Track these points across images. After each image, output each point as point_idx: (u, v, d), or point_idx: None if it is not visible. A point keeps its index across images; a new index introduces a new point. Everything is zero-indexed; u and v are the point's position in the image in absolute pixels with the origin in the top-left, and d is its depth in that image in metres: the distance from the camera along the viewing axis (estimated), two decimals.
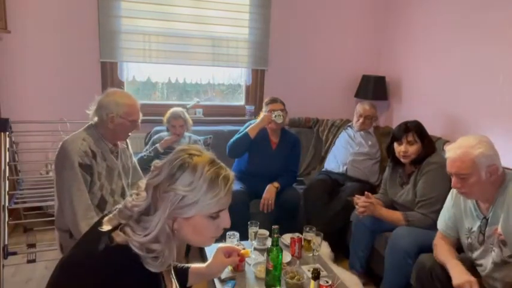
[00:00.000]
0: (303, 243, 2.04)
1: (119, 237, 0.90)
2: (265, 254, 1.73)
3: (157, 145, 2.75)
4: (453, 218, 1.80)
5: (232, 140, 2.72)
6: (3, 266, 2.12)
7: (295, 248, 2.00)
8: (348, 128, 3.21)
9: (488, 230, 1.63)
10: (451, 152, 1.62)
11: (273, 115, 2.66)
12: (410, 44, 3.37)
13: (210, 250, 1.82)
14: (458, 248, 1.83)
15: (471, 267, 1.74)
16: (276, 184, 2.67)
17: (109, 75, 3.17)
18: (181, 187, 0.91)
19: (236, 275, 1.79)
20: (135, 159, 2.16)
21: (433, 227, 2.06)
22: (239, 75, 3.62)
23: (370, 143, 3.06)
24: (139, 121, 1.89)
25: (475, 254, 1.71)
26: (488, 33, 2.58)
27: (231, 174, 0.99)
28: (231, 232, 2.02)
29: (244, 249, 1.49)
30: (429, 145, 2.25)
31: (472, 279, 1.57)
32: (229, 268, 1.80)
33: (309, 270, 1.79)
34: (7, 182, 2.35)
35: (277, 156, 2.78)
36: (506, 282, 1.60)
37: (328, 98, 3.68)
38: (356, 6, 3.66)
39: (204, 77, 3.47)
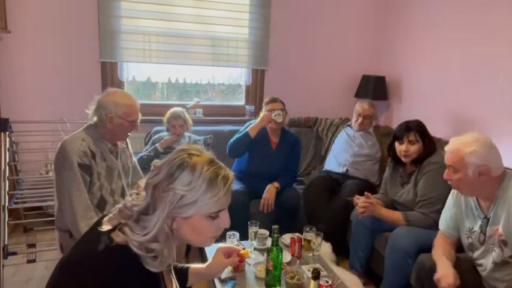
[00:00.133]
0: (303, 243, 2.04)
1: (118, 238, 0.90)
2: (265, 254, 1.73)
3: (157, 145, 2.75)
4: (454, 218, 1.80)
5: (232, 139, 2.72)
6: (3, 266, 2.12)
7: (295, 248, 2.00)
8: (347, 127, 3.19)
9: (489, 229, 1.63)
10: (449, 144, 1.68)
11: (273, 114, 2.66)
12: (410, 44, 3.36)
13: (210, 250, 1.82)
14: (459, 248, 1.83)
15: (471, 267, 1.75)
16: (276, 184, 2.67)
17: (109, 75, 3.17)
18: (180, 186, 0.91)
19: (236, 275, 1.79)
20: (135, 159, 2.16)
21: (433, 226, 2.06)
22: (239, 75, 3.62)
23: (370, 143, 3.04)
24: (139, 121, 1.89)
25: (476, 254, 1.71)
26: (489, 33, 2.58)
27: (231, 174, 0.99)
28: (231, 232, 2.02)
29: (244, 249, 1.49)
30: (430, 145, 2.25)
31: (449, 272, 1.60)
32: (229, 268, 1.80)
33: (309, 270, 1.79)
34: (7, 182, 2.35)
35: (277, 156, 2.78)
36: (506, 282, 1.60)
37: (328, 98, 3.68)
38: (356, 6, 3.65)
39: (204, 77, 3.47)
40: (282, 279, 1.71)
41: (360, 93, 3.55)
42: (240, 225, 2.04)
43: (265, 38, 3.45)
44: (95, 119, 1.83)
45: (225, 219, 1.00)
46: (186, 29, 3.23)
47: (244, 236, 2.13)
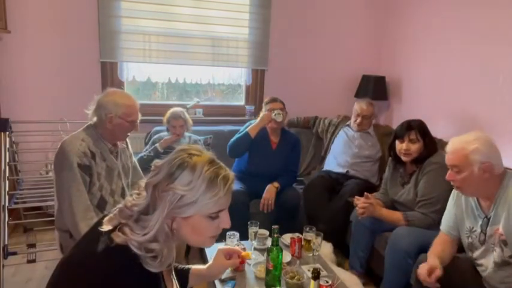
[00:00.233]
0: (303, 243, 2.04)
1: (118, 238, 0.90)
2: (265, 254, 1.73)
3: (156, 145, 2.75)
4: (454, 218, 1.80)
5: (232, 139, 2.72)
6: (3, 266, 2.12)
7: (295, 248, 2.00)
8: (347, 127, 3.16)
9: (490, 229, 1.63)
10: (450, 145, 1.67)
11: (273, 114, 2.66)
12: (411, 44, 3.36)
13: (210, 251, 1.82)
14: (459, 248, 1.83)
15: (471, 267, 1.75)
16: (276, 184, 2.67)
17: (109, 75, 3.17)
18: (180, 186, 0.91)
19: (236, 275, 1.79)
20: (135, 159, 2.16)
21: (433, 226, 2.06)
22: (239, 75, 3.61)
23: (369, 144, 3.02)
24: (138, 121, 1.89)
25: (476, 254, 1.71)
26: (489, 33, 2.58)
27: (231, 174, 0.99)
28: (231, 232, 2.02)
29: (244, 249, 1.49)
30: (431, 144, 2.25)
31: (430, 266, 1.63)
32: (229, 268, 1.80)
33: (309, 270, 1.79)
34: (7, 182, 2.35)
35: (277, 156, 2.78)
36: (506, 284, 1.60)
37: (328, 98, 3.68)
38: (356, 6, 3.65)
39: (204, 77, 3.47)
40: (282, 279, 1.71)
41: (360, 93, 3.55)
42: (240, 225, 2.04)
43: (265, 38, 3.45)
44: (95, 119, 1.83)
45: (225, 220, 1.00)
46: (186, 29, 3.23)
47: (244, 236, 2.12)
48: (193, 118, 3.01)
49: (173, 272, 1.16)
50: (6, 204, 2.30)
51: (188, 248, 2.57)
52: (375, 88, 3.47)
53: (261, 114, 2.73)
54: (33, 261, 2.30)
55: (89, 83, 3.08)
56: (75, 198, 1.68)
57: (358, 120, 3.00)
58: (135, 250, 0.89)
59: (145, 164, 2.56)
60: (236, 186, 2.58)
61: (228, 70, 3.54)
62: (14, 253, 2.21)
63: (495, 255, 1.60)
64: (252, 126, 2.69)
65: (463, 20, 2.79)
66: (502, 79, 2.47)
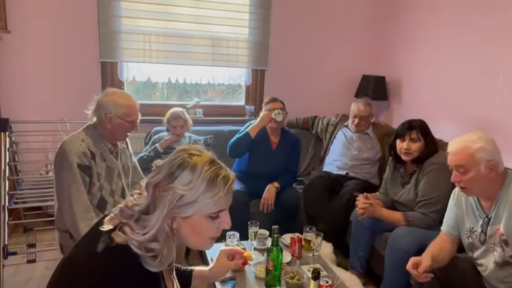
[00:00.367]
0: (303, 243, 2.04)
1: (118, 237, 0.90)
2: (265, 254, 1.73)
3: (156, 145, 2.75)
4: (455, 218, 1.80)
5: (232, 139, 2.72)
6: (3, 266, 2.12)
7: (295, 248, 2.00)
8: (345, 128, 3.13)
9: (490, 229, 1.63)
10: (452, 146, 1.66)
11: (273, 113, 2.66)
12: (411, 44, 3.36)
13: (211, 251, 1.83)
14: (459, 248, 1.83)
15: (472, 267, 1.75)
16: (276, 184, 2.67)
17: (109, 75, 3.17)
18: (180, 186, 0.91)
19: (236, 275, 1.79)
20: (135, 159, 2.16)
21: (433, 226, 2.06)
22: (239, 75, 3.61)
23: (369, 145, 2.99)
24: (138, 122, 1.89)
25: (476, 254, 1.71)
26: (489, 33, 2.58)
27: (232, 174, 0.99)
28: (231, 232, 2.02)
29: (244, 249, 1.49)
30: (432, 144, 2.25)
31: (414, 261, 1.64)
32: None
33: (309, 270, 1.79)
34: (7, 182, 2.35)
35: (277, 156, 2.78)
36: (506, 284, 1.60)
37: (328, 98, 3.67)
38: (356, 6, 3.65)
39: (204, 77, 3.47)
40: (282, 279, 1.72)
41: (360, 93, 3.55)
42: (240, 225, 2.05)
43: (265, 38, 3.45)
44: (95, 119, 1.83)
45: (225, 220, 1.00)
46: (186, 29, 3.23)
47: (244, 236, 2.13)
48: (193, 118, 3.01)
49: (174, 272, 1.16)
50: (6, 204, 2.30)
51: (188, 249, 2.57)
52: (374, 88, 3.47)
53: (261, 114, 2.73)
54: (33, 261, 2.30)
55: (89, 83, 3.08)
56: (75, 199, 1.68)
57: (356, 121, 2.98)
58: (135, 250, 0.89)
59: (145, 164, 2.56)
60: (236, 186, 2.57)
61: (228, 70, 3.54)
62: (14, 253, 2.21)
63: (496, 255, 1.60)
64: (252, 126, 2.69)
65: (463, 20, 2.79)
66: (502, 79, 2.47)
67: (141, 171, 2.15)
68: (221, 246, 1.85)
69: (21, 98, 2.98)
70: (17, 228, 2.95)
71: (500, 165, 1.59)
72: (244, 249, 1.85)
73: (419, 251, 1.94)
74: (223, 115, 3.53)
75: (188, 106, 3.31)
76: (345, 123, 3.15)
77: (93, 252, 0.88)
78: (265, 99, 2.85)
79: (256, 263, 1.87)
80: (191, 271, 1.32)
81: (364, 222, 2.32)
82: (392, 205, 2.40)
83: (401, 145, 2.25)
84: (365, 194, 2.29)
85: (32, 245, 2.32)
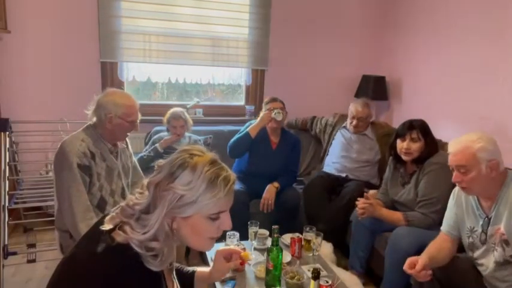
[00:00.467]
0: (303, 243, 2.04)
1: (119, 237, 0.91)
2: (265, 254, 1.73)
3: (156, 145, 2.75)
4: (455, 218, 1.80)
5: (233, 140, 2.72)
6: (3, 266, 2.12)
7: (295, 248, 2.00)
8: (343, 129, 3.09)
9: (491, 229, 1.63)
10: (452, 146, 1.65)
11: (273, 113, 2.66)
12: (411, 43, 3.36)
13: (211, 251, 1.82)
14: (459, 248, 1.83)
15: (472, 267, 1.75)
16: (276, 184, 2.67)
17: (109, 75, 3.17)
18: (180, 186, 0.91)
19: (236, 275, 1.79)
20: (135, 159, 2.16)
21: (433, 226, 2.06)
22: (239, 75, 3.61)
23: (368, 147, 2.97)
24: (138, 122, 1.88)
25: (476, 254, 1.71)
26: (489, 33, 2.58)
27: (232, 175, 0.99)
28: (231, 232, 2.03)
29: (244, 249, 1.48)
30: (432, 144, 2.25)
31: (410, 261, 1.64)
32: None
33: (309, 270, 1.79)
34: (7, 182, 2.35)
35: (277, 156, 2.78)
36: (507, 282, 1.59)
37: (328, 98, 3.67)
38: (356, 6, 3.65)
39: (204, 77, 3.47)
40: (282, 279, 1.72)
41: (360, 93, 3.55)
42: (240, 225, 2.05)
43: (265, 38, 3.45)
44: (95, 119, 1.83)
45: (225, 221, 0.99)
46: (186, 29, 3.23)
47: (244, 236, 2.13)
48: (193, 118, 3.01)
49: (174, 272, 1.16)
50: (6, 204, 2.30)
51: (188, 249, 2.57)
52: (374, 88, 3.47)
53: (261, 114, 2.73)
54: (33, 261, 2.30)
55: (89, 83, 3.08)
56: (75, 199, 1.68)
57: (354, 122, 2.94)
58: (136, 249, 0.89)
59: (145, 164, 2.56)
60: (236, 186, 2.54)
61: (228, 70, 3.54)
62: (14, 253, 2.21)
63: (496, 255, 1.60)
64: (252, 126, 2.69)
65: (463, 20, 2.79)
66: (502, 79, 2.47)
67: (141, 171, 2.15)
68: (221, 246, 1.85)
69: (21, 98, 2.99)
70: (17, 228, 2.95)
71: (500, 164, 1.59)
72: (244, 249, 1.85)
73: (419, 251, 1.93)
74: (223, 115, 3.53)
75: (188, 106, 3.31)
76: (343, 125, 3.12)
77: (94, 252, 0.88)
78: (265, 99, 2.85)
79: (256, 263, 1.87)
80: (193, 273, 1.31)
81: (364, 222, 2.32)
82: (393, 205, 2.40)
83: (401, 145, 2.25)
84: (365, 194, 2.29)
85: (32, 245, 2.32)
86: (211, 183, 0.93)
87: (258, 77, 3.57)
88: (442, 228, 1.87)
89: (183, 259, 2.42)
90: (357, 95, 3.58)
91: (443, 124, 2.91)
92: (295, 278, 1.72)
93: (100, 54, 3.08)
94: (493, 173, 1.57)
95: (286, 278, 1.71)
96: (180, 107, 2.88)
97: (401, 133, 2.27)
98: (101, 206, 1.81)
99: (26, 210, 2.84)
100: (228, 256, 1.34)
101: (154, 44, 3.18)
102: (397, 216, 2.22)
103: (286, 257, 1.94)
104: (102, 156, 1.82)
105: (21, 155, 2.92)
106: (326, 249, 2.20)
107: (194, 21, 3.23)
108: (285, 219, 2.57)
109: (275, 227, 1.70)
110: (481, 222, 1.67)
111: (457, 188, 1.77)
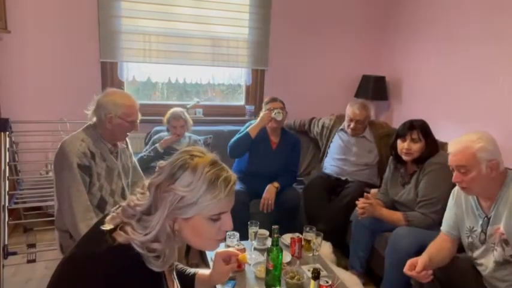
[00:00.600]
0: (303, 243, 2.04)
1: (120, 237, 0.90)
2: (265, 254, 1.73)
3: (156, 145, 2.75)
4: (454, 218, 1.80)
5: (233, 140, 2.72)
6: (3, 266, 2.12)
7: (295, 248, 2.00)
8: (341, 131, 3.05)
9: (490, 229, 1.63)
10: (452, 146, 1.65)
11: (273, 113, 2.66)
12: (411, 44, 3.36)
13: (211, 251, 1.82)
14: (459, 248, 1.83)
15: (471, 267, 1.75)
16: (276, 184, 2.67)
17: (109, 75, 3.17)
18: (180, 187, 0.91)
19: (236, 275, 1.79)
20: (135, 159, 2.16)
21: (433, 227, 2.06)
22: (239, 75, 3.61)
23: (367, 149, 2.94)
24: (138, 122, 1.88)
25: (476, 253, 1.71)
26: (489, 33, 2.58)
27: (233, 176, 0.99)
28: (231, 232, 2.02)
29: (244, 249, 1.48)
30: (432, 145, 2.25)
31: (410, 262, 1.64)
32: None
33: (309, 270, 1.79)
34: (7, 182, 2.35)
35: (277, 156, 2.78)
36: (507, 282, 1.60)
37: (328, 98, 3.67)
38: (356, 6, 3.65)
39: (204, 77, 3.47)
40: (282, 279, 1.72)
41: (360, 93, 3.55)
42: (240, 225, 2.04)
43: (265, 38, 3.45)
44: (95, 119, 1.83)
45: (226, 222, 0.99)
46: (186, 29, 3.23)
47: (244, 236, 2.13)
48: (193, 118, 3.01)
49: (174, 272, 1.16)
50: (6, 204, 2.30)
51: (188, 248, 2.57)
52: (374, 88, 3.47)
53: (261, 114, 2.73)
54: (33, 261, 2.30)
55: (89, 83, 3.08)
56: (75, 199, 1.68)
57: (352, 125, 2.89)
58: (138, 249, 0.89)
59: (145, 164, 2.57)
60: (236, 186, 2.56)
61: (228, 70, 3.54)
62: (14, 253, 2.21)
63: (496, 255, 1.61)
64: (252, 127, 2.69)
65: (463, 19, 2.80)
66: (502, 79, 2.47)
67: (141, 171, 2.15)
68: (221, 246, 1.85)
69: (21, 98, 2.99)
70: (17, 228, 2.95)
71: (500, 164, 1.59)
72: (244, 249, 1.85)
73: (419, 251, 1.94)
74: (223, 115, 3.53)
75: (188, 106, 3.31)
76: (341, 127, 3.06)
77: (94, 252, 0.88)
78: (265, 99, 2.85)
79: (256, 263, 1.87)
80: (194, 275, 1.31)
81: (364, 222, 2.32)
82: (393, 205, 2.40)
83: (402, 145, 2.25)
84: (365, 194, 2.29)
85: (32, 245, 2.32)
86: (212, 184, 0.93)
87: (258, 77, 3.57)
88: (442, 228, 1.87)
89: (183, 258, 2.42)
90: (357, 95, 3.58)
91: (444, 124, 2.90)
92: (295, 278, 1.72)
93: (100, 54, 3.08)
94: (493, 173, 1.57)
95: (286, 278, 1.71)
96: (180, 107, 2.88)
97: (401, 133, 2.27)
98: (101, 206, 1.81)
99: (26, 210, 2.84)
100: (227, 258, 1.32)
101: (154, 44, 3.18)
102: (397, 216, 2.22)
103: (286, 257, 1.94)
104: (102, 156, 1.82)
105: (21, 155, 2.92)
106: (326, 249, 2.20)
107: (194, 21, 3.23)
108: (285, 219, 2.57)
109: (275, 227, 1.70)
110: (480, 222, 1.67)
111: (456, 188, 1.77)
